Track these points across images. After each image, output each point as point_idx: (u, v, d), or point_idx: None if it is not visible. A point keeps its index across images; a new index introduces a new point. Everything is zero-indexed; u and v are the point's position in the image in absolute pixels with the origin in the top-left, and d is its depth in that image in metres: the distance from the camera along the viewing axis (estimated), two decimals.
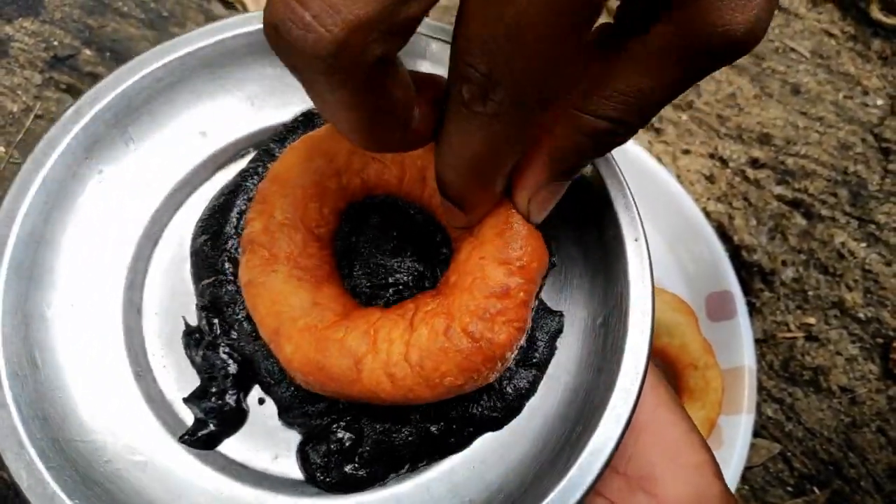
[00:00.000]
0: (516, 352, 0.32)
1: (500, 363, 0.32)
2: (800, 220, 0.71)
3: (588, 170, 0.36)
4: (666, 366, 0.59)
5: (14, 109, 0.65)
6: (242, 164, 0.40)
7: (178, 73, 0.38)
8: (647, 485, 0.36)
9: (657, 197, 0.66)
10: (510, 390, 0.35)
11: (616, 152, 0.65)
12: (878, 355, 0.66)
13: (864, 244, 0.70)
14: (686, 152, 0.72)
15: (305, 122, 0.40)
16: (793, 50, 0.78)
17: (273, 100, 0.40)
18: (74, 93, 0.66)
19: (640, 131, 0.72)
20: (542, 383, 0.35)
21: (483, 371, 0.31)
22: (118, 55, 0.68)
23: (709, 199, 0.70)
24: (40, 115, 0.65)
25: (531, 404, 0.35)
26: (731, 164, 0.72)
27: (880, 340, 0.66)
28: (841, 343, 0.66)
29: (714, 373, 0.58)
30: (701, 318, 0.61)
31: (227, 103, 0.40)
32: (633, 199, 0.35)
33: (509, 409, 0.35)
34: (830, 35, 0.79)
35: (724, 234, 0.69)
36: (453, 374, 0.31)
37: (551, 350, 0.36)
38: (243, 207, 0.38)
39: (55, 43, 0.68)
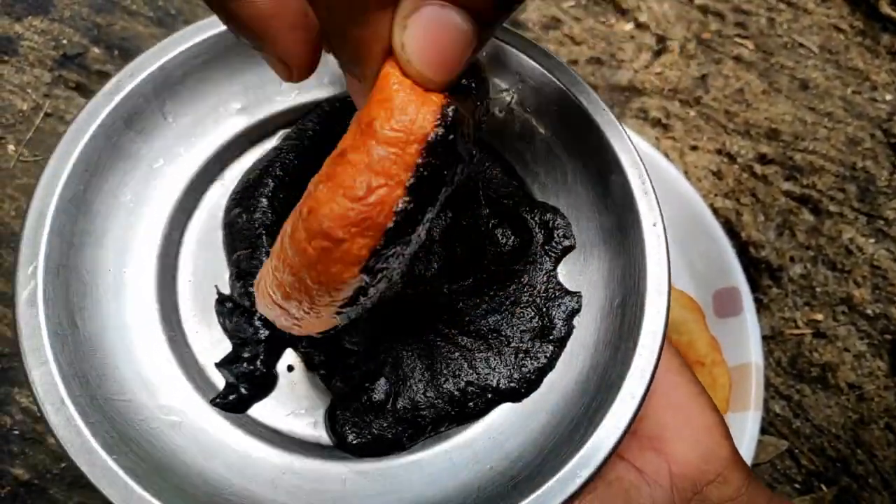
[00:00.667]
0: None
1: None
2: (808, 216, 0.71)
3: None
4: None
5: (24, 108, 0.65)
6: (276, 139, 0.41)
7: (214, 50, 0.38)
8: (657, 444, 0.37)
9: (664, 193, 0.65)
10: (529, 364, 0.37)
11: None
12: (887, 352, 0.66)
13: (872, 240, 0.70)
14: (694, 148, 0.72)
15: (339, 100, 0.41)
16: (801, 45, 0.78)
17: (310, 79, 0.42)
18: (83, 91, 0.66)
19: (648, 127, 0.72)
20: (560, 360, 0.37)
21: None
22: (126, 53, 0.68)
23: (716, 195, 0.70)
24: (50, 113, 0.65)
25: (550, 379, 0.37)
26: (738, 160, 0.72)
27: (888, 337, 0.66)
28: (849, 339, 0.66)
29: (721, 370, 0.58)
30: (708, 314, 0.61)
31: (264, 81, 0.41)
32: (652, 185, 0.36)
33: (528, 383, 0.37)
34: (839, 30, 0.79)
35: (731, 230, 0.69)
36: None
37: (569, 328, 0.37)
38: (277, 182, 0.39)
39: (64, 41, 0.68)
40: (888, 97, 0.76)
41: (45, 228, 0.34)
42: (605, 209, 0.38)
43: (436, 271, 0.37)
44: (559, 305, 0.38)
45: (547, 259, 0.39)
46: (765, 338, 0.64)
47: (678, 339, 0.58)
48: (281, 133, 0.42)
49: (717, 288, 0.63)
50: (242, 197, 0.39)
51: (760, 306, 0.66)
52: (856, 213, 0.71)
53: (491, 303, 0.38)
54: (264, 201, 0.39)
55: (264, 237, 0.38)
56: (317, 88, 0.42)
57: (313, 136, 0.40)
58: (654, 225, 0.35)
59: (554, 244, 0.39)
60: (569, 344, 0.37)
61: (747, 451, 0.57)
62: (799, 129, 0.74)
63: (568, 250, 0.39)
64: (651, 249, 0.35)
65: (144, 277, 0.38)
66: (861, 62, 0.77)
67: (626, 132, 0.37)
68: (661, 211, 0.36)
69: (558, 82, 0.38)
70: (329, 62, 0.31)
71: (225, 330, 0.38)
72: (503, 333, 0.38)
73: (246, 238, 0.38)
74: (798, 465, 0.62)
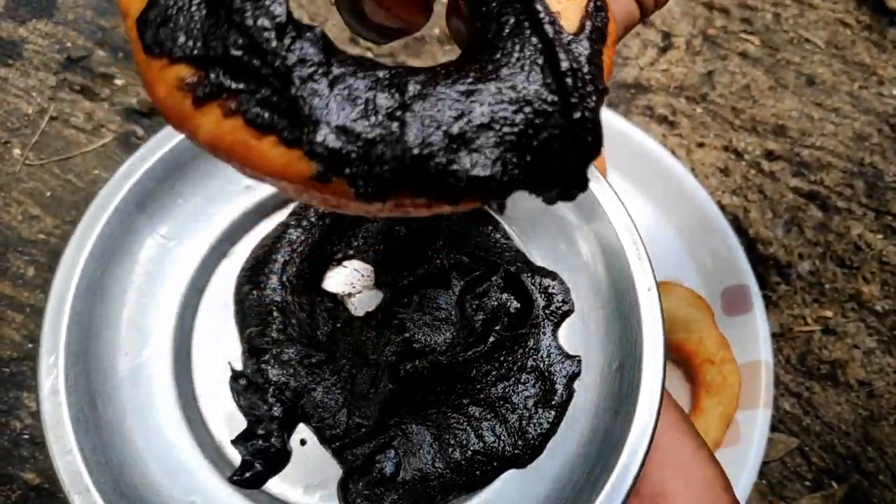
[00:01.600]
0: None
1: None
2: (816, 213, 0.70)
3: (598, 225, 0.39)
4: (683, 361, 0.59)
5: (29, 111, 0.65)
6: (285, 212, 0.42)
7: None
8: (659, 501, 0.38)
9: (672, 191, 0.65)
10: (532, 431, 0.38)
11: (630, 145, 0.65)
12: None
13: (880, 236, 0.70)
14: (700, 145, 0.72)
15: None
16: (807, 40, 0.78)
17: None
18: (88, 94, 0.66)
19: (655, 124, 0.72)
20: (562, 424, 0.38)
21: None
22: (130, 55, 0.68)
23: (724, 192, 0.70)
24: (55, 116, 0.65)
25: (552, 444, 0.38)
26: (745, 157, 0.72)
27: None
28: (858, 336, 0.66)
29: (731, 368, 0.58)
30: (717, 312, 0.61)
31: None
32: (646, 249, 0.38)
33: (532, 449, 0.38)
34: (845, 25, 0.78)
35: (739, 227, 0.68)
36: None
37: (570, 392, 0.38)
38: (286, 257, 0.41)
39: (68, 44, 0.68)
40: (895, 91, 0.76)
41: (65, 317, 0.35)
42: (601, 274, 0.40)
43: (453, 340, 0.39)
44: (560, 370, 0.39)
45: (548, 323, 0.40)
46: (774, 335, 0.64)
47: (688, 337, 0.58)
48: (291, 206, 0.43)
49: (726, 286, 0.63)
50: (252, 274, 0.41)
51: (769, 303, 0.66)
52: (864, 209, 0.71)
53: (500, 369, 0.39)
54: (273, 278, 0.40)
55: (275, 313, 0.39)
56: None
57: (318, 211, 0.42)
58: (649, 290, 0.37)
59: (554, 309, 0.40)
60: (570, 408, 0.38)
61: (757, 449, 0.57)
62: (806, 124, 0.74)
63: (567, 314, 0.40)
64: (646, 314, 0.36)
65: (161, 358, 0.39)
66: (868, 57, 0.77)
67: (618, 197, 0.39)
68: (654, 274, 0.37)
69: None
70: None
71: (239, 407, 0.39)
72: (510, 400, 0.39)
73: (257, 315, 0.40)
74: (808, 462, 0.61)
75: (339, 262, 0.43)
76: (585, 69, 0.24)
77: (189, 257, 0.40)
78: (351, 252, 0.43)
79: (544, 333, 0.40)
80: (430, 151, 0.22)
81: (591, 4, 0.26)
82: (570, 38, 0.25)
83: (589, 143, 0.24)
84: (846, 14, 0.79)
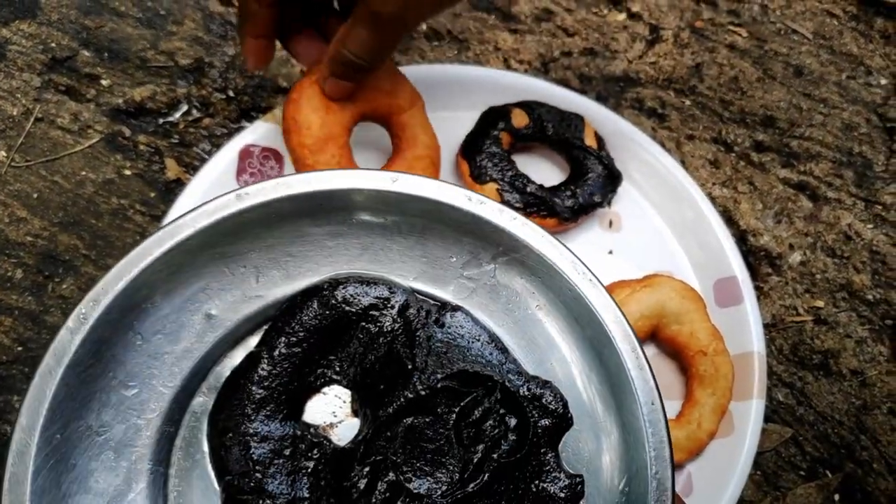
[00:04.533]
0: None
1: None
2: (806, 203, 0.70)
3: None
4: (676, 353, 0.59)
5: (14, 113, 0.65)
6: (252, 342, 0.40)
7: (177, 261, 0.37)
8: None
9: (662, 184, 0.65)
10: None
11: (622, 140, 0.65)
12: (888, 337, 0.66)
13: (870, 225, 0.70)
14: (690, 138, 0.72)
15: (311, 294, 0.40)
16: (795, 31, 0.78)
17: (278, 272, 0.41)
18: (74, 94, 0.66)
19: (644, 118, 0.72)
20: None
21: None
22: (116, 55, 0.67)
23: (714, 184, 0.70)
24: (40, 117, 0.65)
25: None
26: (735, 149, 0.72)
27: (889, 322, 0.66)
28: (850, 325, 0.66)
29: (723, 359, 0.58)
30: (709, 304, 0.61)
31: (233, 281, 0.40)
32: (646, 357, 0.36)
33: None
34: (832, 15, 0.79)
35: (730, 219, 0.69)
36: None
37: None
38: (260, 394, 0.38)
39: (53, 45, 0.68)
40: (883, 81, 0.76)
41: (27, 493, 0.32)
42: (601, 384, 0.38)
43: (448, 476, 0.37)
44: (562, 490, 0.37)
45: (546, 439, 0.38)
46: (766, 326, 0.64)
47: (680, 329, 0.58)
48: (258, 334, 0.41)
49: (718, 278, 0.63)
50: (225, 417, 0.38)
51: (761, 294, 0.66)
52: (853, 199, 0.71)
53: (501, 499, 0.37)
54: (248, 421, 0.38)
55: (255, 456, 0.37)
56: (284, 281, 0.41)
57: (289, 341, 0.40)
58: (653, 403, 0.35)
59: (551, 423, 0.38)
60: None
61: (751, 439, 0.57)
62: (794, 115, 0.74)
63: (566, 429, 0.38)
64: (650, 426, 0.35)
65: None
66: (855, 47, 0.77)
67: (614, 303, 0.37)
68: (657, 385, 0.35)
69: (542, 254, 0.38)
70: (293, 252, 0.39)
71: None
72: None
73: (235, 461, 0.37)
74: (802, 452, 0.62)
75: (318, 390, 0.40)
76: None
77: (154, 404, 0.38)
78: (330, 376, 0.40)
79: (544, 452, 0.37)
80: None
81: None
82: None
83: None
84: (833, 4, 0.79)
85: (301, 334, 0.39)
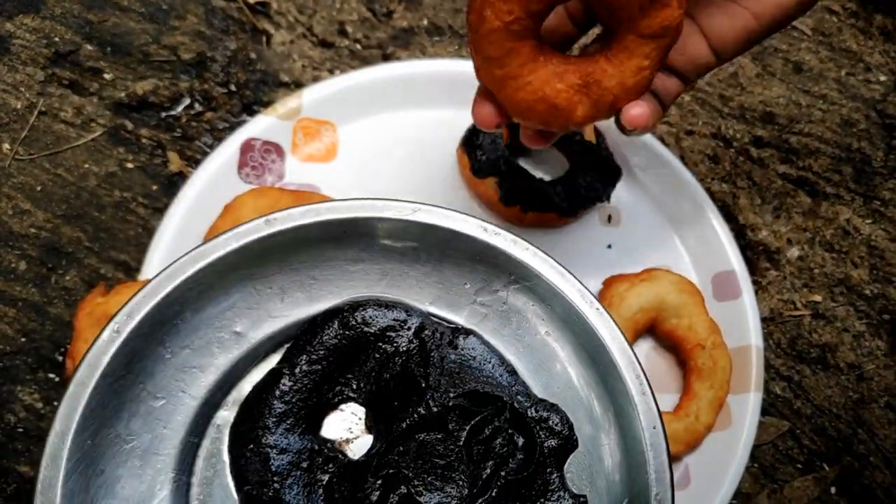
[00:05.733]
0: None
1: None
2: (804, 199, 0.71)
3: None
4: (674, 347, 0.60)
5: (18, 106, 0.65)
6: (274, 359, 0.42)
7: (208, 280, 0.39)
8: None
9: (661, 179, 0.66)
10: None
11: (621, 135, 0.65)
12: (886, 331, 0.66)
13: (868, 221, 0.70)
14: (689, 133, 0.72)
15: (332, 315, 0.42)
16: (794, 28, 0.78)
17: (301, 294, 0.42)
18: (77, 88, 0.66)
19: None
20: None
21: None
22: (119, 49, 0.68)
23: (713, 179, 0.70)
24: (44, 111, 0.65)
25: None
26: (734, 144, 0.72)
27: (887, 317, 0.67)
28: (848, 320, 0.66)
29: (721, 352, 0.58)
30: (707, 298, 0.61)
31: (259, 301, 0.42)
32: (650, 385, 0.37)
33: None
34: (832, 12, 0.79)
35: (728, 213, 0.69)
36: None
37: None
38: (281, 408, 0.40)
39: (56, 39, 0.68)
40: (882, 78, 0.76)
41: (57, 496, 0.33)
42: (605, 408, 0.40)
43: (458, 491, 0.38)
44: None
45: (552, 460, 0.39)
46: (764, 320, 0.64)
47: (678, 322, 0.59)
48: (281, 351, 0.42)
49: (716, 272, 0.63)
50: (247, 429, 0.40)
51: (759, 288, 0.66)
52: (852, 195, 0.71)
53: None
54: (269, 433, 0.39)
55: (273, 467, 0.38)
56: (307, 303, 0.43)
57: (310, 358, 0.41)
58: (654, 427, 0.36)
59: (557, 444, 0.39)
60: None
61: (749, 432, 0.57)
62: (794, 111, 0.74)
63: (571, 450, 0.40)
64: (652, 450, 0.36)
65: None
66: (854, 44, 0.78)
67: (620, 331, 0.38)
68: (659, 411, 0.37)
69: (551, 282, 0.39)
70: (316, 276, 0.41)
71: None
72: None
73: (254, 472, 0.39)
74: (800, 445, 0.62)
75: (335, 406, 0.42)
76: None
77: (180, 415, 0.39)
78: (347, 394, 0.42)
79: (549, 472, 0.39)
80: None
81: None
82: None
83: None
84: (832, 1, 0.79)
85: (321, 353, 0.41)
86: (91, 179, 0.63)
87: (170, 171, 0.64)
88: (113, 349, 0.36)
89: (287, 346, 0.42)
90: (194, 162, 0.65)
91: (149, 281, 0.37)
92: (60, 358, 0.57)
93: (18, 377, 0.56)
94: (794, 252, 0.68)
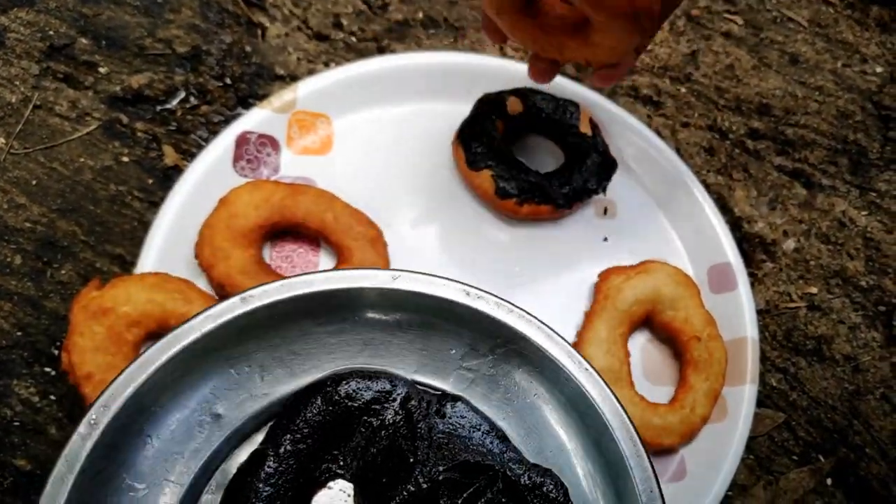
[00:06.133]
0: None
1: None
2: (800, 190, 0.71)
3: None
4: (670, 339, 0.60)
5: (12, 100, 0.65)
6: (257, 438, 0.41)
7: (184, 365, 0.38)
8: None
9: (657, 171, 0.66)
10: None
11: (617, 127, 0.65)
12: (881, 323, 0.66)
13: (864, 212, 0.70)
14: (685, 125, 0.72)
15: (314, 391, 0.41)
16: (790, 19, 0.78)
17: (282, 370, 0.42)
18: (72, 82, 0.66)
19: (640, 105, 0.72)
20: None
21: None
22: (114, 43, 0.68)
23: (709, 171, 0.70)
24: (39, 105, 0.65)
25: None
26: (730, 136, 0.72)
27: (883, 308, 0.67)
28: (843, 312, 0.66)
29: (717, 344, 0.58)
30: (703, 290, 0.61)
31: (238, 381, 0.41)
32: (644, 448, 0.37)
33: None
34: (828, 3, 0.79)
35: (724, 206, 0.69)
36: None
37: None
38: (268, 492, 0.38)
39: (51, 32, 0.68)
40: (878, 69, 0.76)
41: None
42: (600, 472, 0.39)
43: None
44: None
45: None
46: (760, 312, 0.64)
47: (674, 315, 0.59)
48: (264, 431, 0.41)
49: (712, 264, 0.63)
50: None
51: (755, 280, 0.66)
52: (848, 186, 0.71)
53: None
54: None
55: None
56: (288, 379, 0.42)
57: (294, 437, 0.40)
58: (651, 492, 0.36)
59: None
60: None
61: (744, 424, 0.57)
62: (790, 103, 0.74)
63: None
64: None
65: None
66: (850, 35, 0.78)
67: (611, 392, 0.38)
68: (655, 475, 0.36)
69: (539, 344, 0.39)
70: (295, 351, 0.40)
71: None
72: None
73: None
74: (795, 436, 0.62)
75: (323, 484, 0.41)
76: None
77: (164, 500, 0.38)
78: (335, 470, 0.41)
79: None
80: None
81: None
82: None
83: None
84: None
85: (306, 431, 0.40)
86: (86, 173, 0.63)
87: (165, 164, 0.64)
88: (90, 444, 0.34)
89: (270, 424, 0.41)
90: (189, 155, 0.65)
91: (123, 370, 0.36)
92: (56, 352, 0.57)
93: (14, 371, 0.56)
94: (789, 244, 0.68)
